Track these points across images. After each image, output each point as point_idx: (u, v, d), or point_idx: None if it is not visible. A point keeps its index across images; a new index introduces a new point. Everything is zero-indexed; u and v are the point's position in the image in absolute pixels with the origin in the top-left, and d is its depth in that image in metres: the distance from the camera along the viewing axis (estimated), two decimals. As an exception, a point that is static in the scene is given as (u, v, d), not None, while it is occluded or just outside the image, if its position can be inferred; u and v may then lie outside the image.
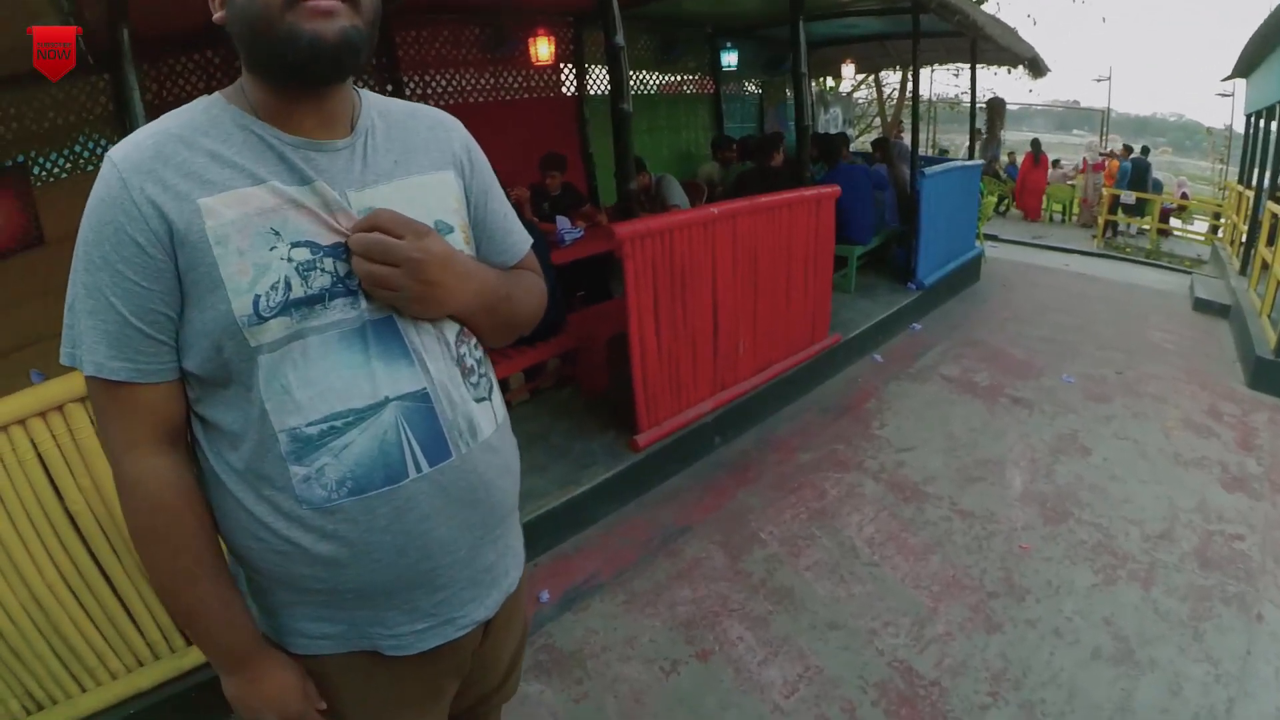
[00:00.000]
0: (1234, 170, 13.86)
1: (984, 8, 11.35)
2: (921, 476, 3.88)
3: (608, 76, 7.46)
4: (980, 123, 9.92)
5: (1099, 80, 32.80)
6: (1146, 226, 12.55)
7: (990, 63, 9.29)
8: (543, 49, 6.41)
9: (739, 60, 8.84)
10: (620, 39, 3.22)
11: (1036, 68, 8.36)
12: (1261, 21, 7.89)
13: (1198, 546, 3.50)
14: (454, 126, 1.19)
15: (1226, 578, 3.27)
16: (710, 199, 6.70)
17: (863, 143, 14.82)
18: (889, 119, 17.39)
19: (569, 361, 4.35)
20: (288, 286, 0.94)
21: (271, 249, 0.93)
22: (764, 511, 3.46)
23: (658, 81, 8.47)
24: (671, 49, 8.16)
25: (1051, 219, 14.65)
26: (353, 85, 1.07)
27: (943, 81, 18.77)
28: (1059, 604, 3.01)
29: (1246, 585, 3.23)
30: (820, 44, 9.40)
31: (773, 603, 2.87)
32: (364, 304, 0.99)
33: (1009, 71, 13.11)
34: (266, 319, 0.93)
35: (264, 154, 0.96)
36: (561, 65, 7.04)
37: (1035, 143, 14.27)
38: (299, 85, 0.96)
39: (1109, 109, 23.15)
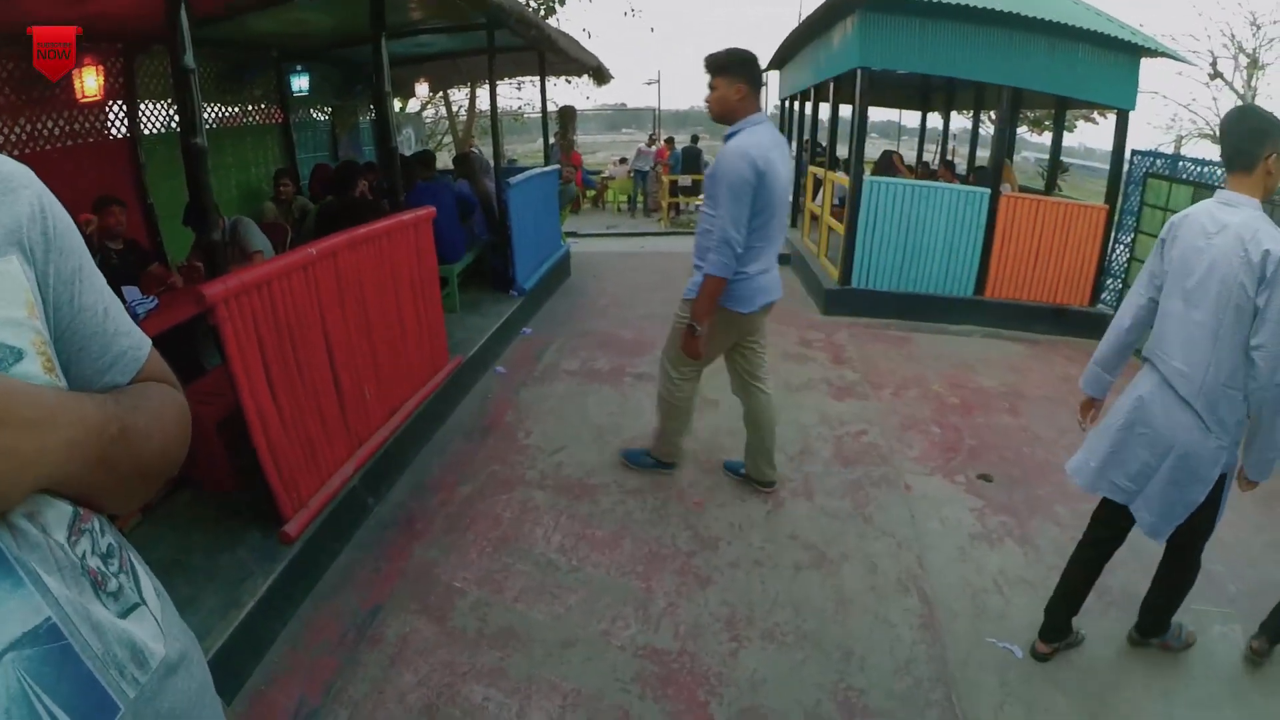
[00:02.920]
0: None
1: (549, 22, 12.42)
2: (583, 471, 4.06)
3: (167, 111, 6.74)
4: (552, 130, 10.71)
5: (649, 83, 37.54)
6: (700, 202, 14.83)
7: (558, 74, 10.07)
8: (90, 82, 5.45)
9: (309, 85, 8.49)
10: (190, 60, 2.82)
11: (600, 75, 9.35)
12: (793, 29, 9.90)
13: (835, 451, 4.17)
14: (24, 184, 0.81)
15: (868, 467, 3.96)
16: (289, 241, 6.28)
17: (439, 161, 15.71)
18: (460, 135, 18.11)
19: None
20: None
21: None
22: (448, 559, 3.33)
23: (221, 113, 7.77)
24: (236, 76, 7.53)
25: (619, 209, 16.53)
26: None
27: (504, 95, 20.12)
28: (748, 539, 3.38)
29: (886, 466, 3.95)
30: (394, 65, 9.36)
31: (499, 648, 2.78)
32: None
33: (568, 81, 14.53)
34: None
35: None
36: (109, 102, 6.08)
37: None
38: None
39: (659, 108, 26.63)
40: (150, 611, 0.83)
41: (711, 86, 3.31)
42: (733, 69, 3.26)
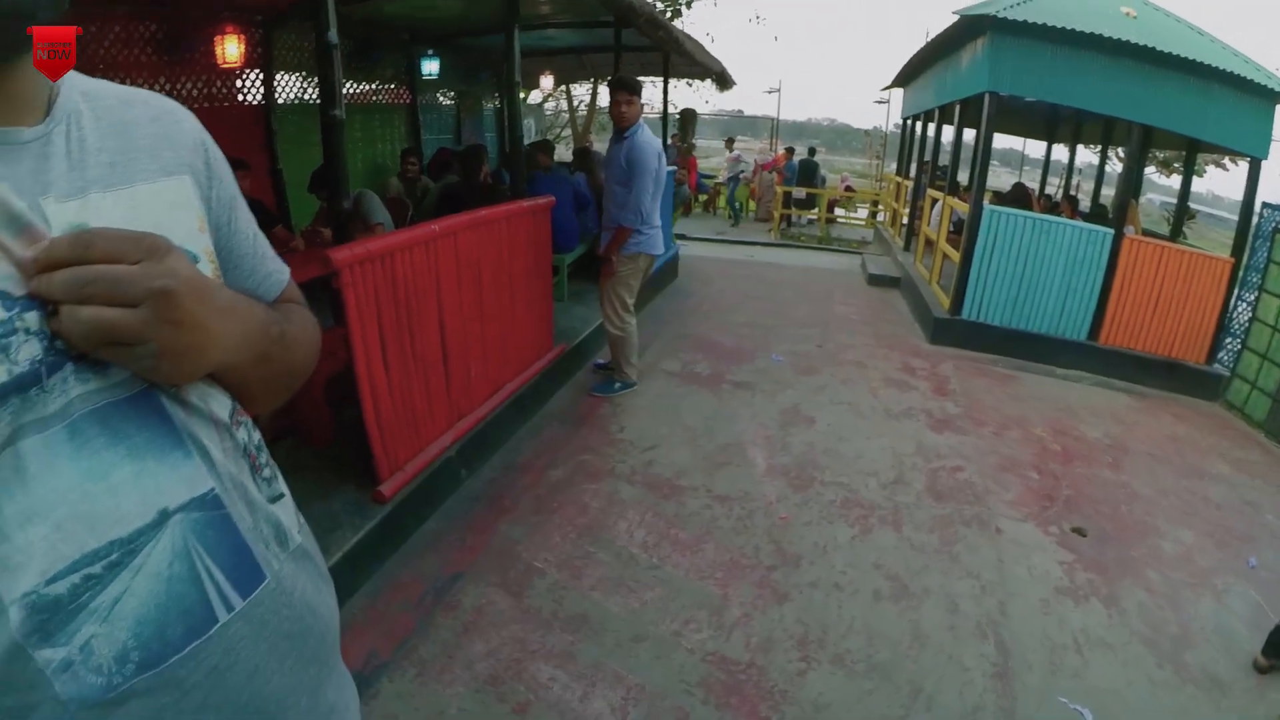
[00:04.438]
0: (891, 165, 16.93)
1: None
2: (673, 471, 4.09)
3: (301, 82, 7.11)
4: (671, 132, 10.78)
5: (770, 91, 37.63)
6: (814, 216, 14.74)
7: (680, 76, 10.12)
8: (231, 50, 5.80)
9: (438, 69, 8.79)
10: (334, 36, 2.98)
11: (723, 80, 9.38)
12: (921, 46, 9.71)
13: (928, 483, 4.08)
14: (186, 117, 0.90)
15: (961, 504, 3.86)
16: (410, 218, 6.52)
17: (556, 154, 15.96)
18: (579, 129, 18.40)
19: (282, 412, 3.95)
20: None
21: None
22: (532, 539, 3.41)
23: (351, 90, 8.13)
24: (367, 56, 7.87)
25: (729, 216, 16.47)
26: None
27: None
28: (830, 561, 3.34)
29: (979, 507, 3.84)
30: (521, 56, 9.59)
31: (571, 632, 2.84)
32: (104, 376, 0.71)
33: (689, 84, 14.60)
34: None
35: None
36: (247, 71, 6.46)
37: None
38: None
39: (778, 117, 26.57)
40: (290, 502, 0.92)
41: (619, 100, 4.56)
42: (637, 89, 4.59)
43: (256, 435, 0.89)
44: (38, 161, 0.70)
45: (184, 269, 0.71)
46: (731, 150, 17.15)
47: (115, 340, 0.66)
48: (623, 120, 4.59)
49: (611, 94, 4.66)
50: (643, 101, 4.74)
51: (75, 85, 0.78)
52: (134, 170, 0.78)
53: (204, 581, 0.73)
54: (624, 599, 3.04)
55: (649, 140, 4.57)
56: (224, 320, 0.76)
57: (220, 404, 0.82)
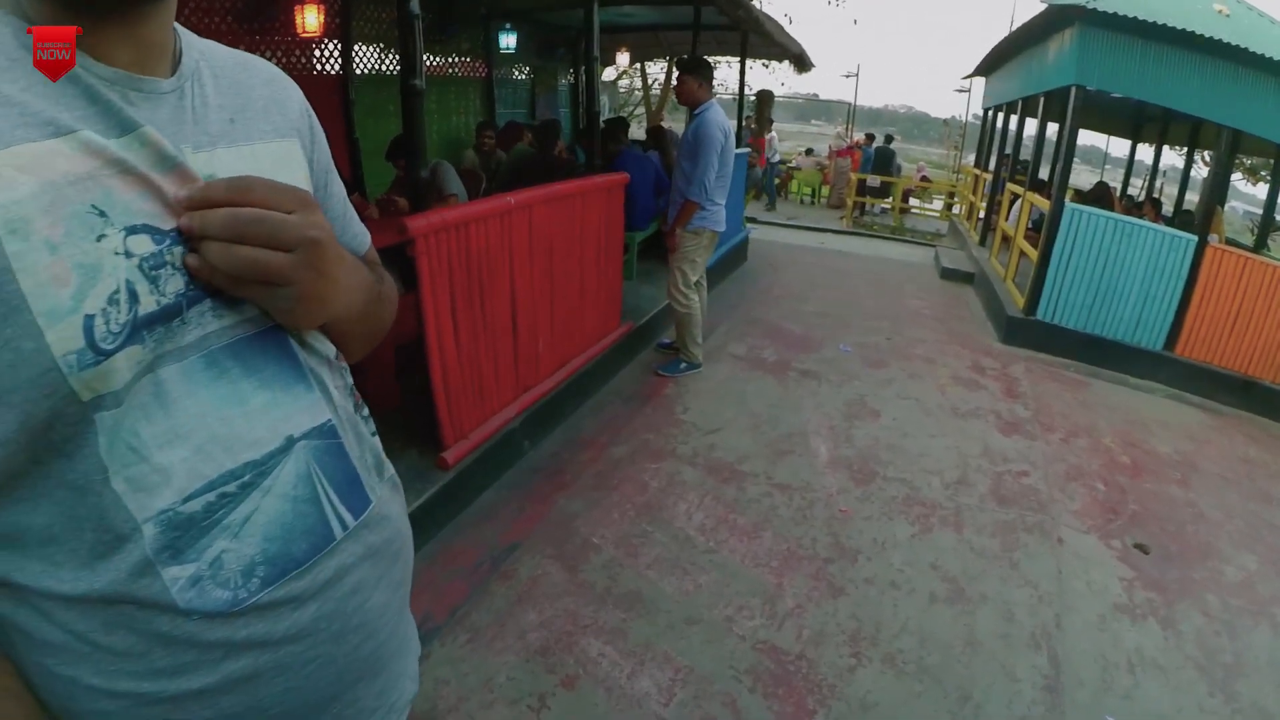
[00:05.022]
0: (969, 157, 16.68)
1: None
2: (735, 456, 4.11)
3: (379, 53, 7.24)
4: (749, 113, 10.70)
5: (848, 76, 37.02)
6: (888, 205, 14.43)
7: (758, 57, 10.03)
8: (310, 19, 5.96)
9: (514, 43, 8.86)
10: (416, 6, 3.04)
11: (801, 62, 9.24)
12: (1005, 35, 9.36)
13: (992, 487, 4.03)
14: (292, 85, 0.95)
15: (1024, 510, 3.82)
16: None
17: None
18: (652, 108, 18.36)
19: (352, 371, 4.09)
20: (133, 297, 0.66)
21: (100, 238, 0.64)
22: (590, 514, 3.48)
23: (428, 62, 8.25)
24: (445, 29, 7.98)
25: (802, 201, 16.27)
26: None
27: None
28: (888, 558, 3.34)
29: (1042, 514, 3.79)
30: (599, 31, 9.62)
31: (624, 610, 2.90)
32: (237, 312, 0.76)
33: (765, 65, 14.42)
34: (109, 353, 0.64)
35: (64, 89, 0.65)
36: (325, 40, 6.62)
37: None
38: None
39: (855, 103, 26.11)
40: (379, 440, 0.99)
41: (688, 82, 4.62)
42: (699, 70, 4.62)
43: (351, 378, 0.96)
44: (174, 112, 0.74)
45: (327, 224, 0.77)
46: (769, 131, 16.05)
47: (264, 279, 0.72)
48: (692, 100, 4.65)
49: (679, 75, 4.73)
50: (713, 84, 4.78)
51: (193, 44, 0.82)
52: (252, 129, 0.83)
53: (322, 502, 0.80)
54: (678, 581, 3.09)
55: (717, 117, 4.60)
56: (348, 274, 0.85)
57: (328, 347, 0.90)
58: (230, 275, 0.71)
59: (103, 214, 0.65)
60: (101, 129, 0.66)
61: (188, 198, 0.70)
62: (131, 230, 0.67)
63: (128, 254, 0.66)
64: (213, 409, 0.72)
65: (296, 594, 0.76)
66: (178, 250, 0.70)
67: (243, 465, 0.73)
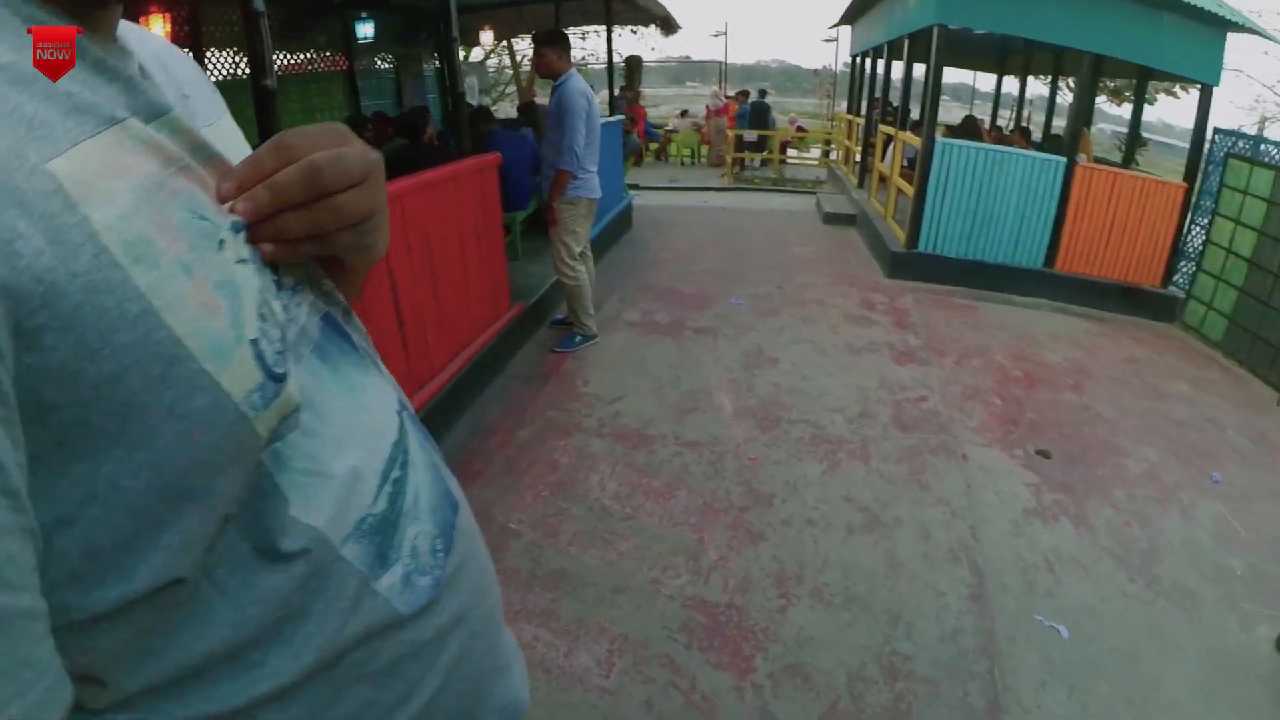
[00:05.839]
0: (842, 104, 17.02)
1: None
2: (640, 421, 4.07)
3: (234, 58, 6.84)
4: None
5: (717, 35, 37.28)
6: (767, 158, 14.69)
7: (624, 23, 9.95)
8: (157, 30, 5.61)
9: (373, 31, 8.53)
10: (260, 3, 2.82)
11: (668, 25, 9.25)
12: None
13: (893, 416, 4.12)
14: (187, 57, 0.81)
15: (926, 434, 3.91)
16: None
17: (500, 109, 15.82)
18: (523, 84, 18.07)
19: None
20: (266, 304, 0.57)
21: (220, 245, 0.54)
22: (505, 500, 3.39)
23: (285, 60, 7.85)
24: (299, 24, 7.60)
25: (682, 162, 16.37)
26: None
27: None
28: (802, 498, 3.37)
29: (945, 435, 3.89)
30: (460, 11, 9.35)
31: (551, 590, 2.83)
32: (310, 292, 0.67)
33: (633, 31, 14.40)
34: (284, 376, 0.55)
35: (87, 72, 0.52)
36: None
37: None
38: None
39: (726, 61, 26.25)
40: None
41: (545, 54, 4.58)
42: (556, 41, 4.59)
43: None
44: (156, 88, 0.60)
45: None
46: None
47: (358, 222, 0.62)
48: (552, 72, 4.64)
49: (537, 48, 4.71)
50: (571, 54, 4.75)
51: None
52: (202, 106, 0.73)
53: (439, 467, 0.77)
54: (600, 552, 3.03)
55: (579, 85, 4.60)
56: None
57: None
58: (332, 226, 0.60)
59: (203, 217, 0.53)
60: (138, 111, 0.54)
61: (240, 177, 0.58)
62: (235, 229, 0.56)
63: (245, 259, 0.56)
64: (349, 400, 0.66)
65: (461, 560, 0.73)
66: (243, 242, 0.57)
67: (391, 447, 0.69)
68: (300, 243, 0.60)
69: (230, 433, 0.50)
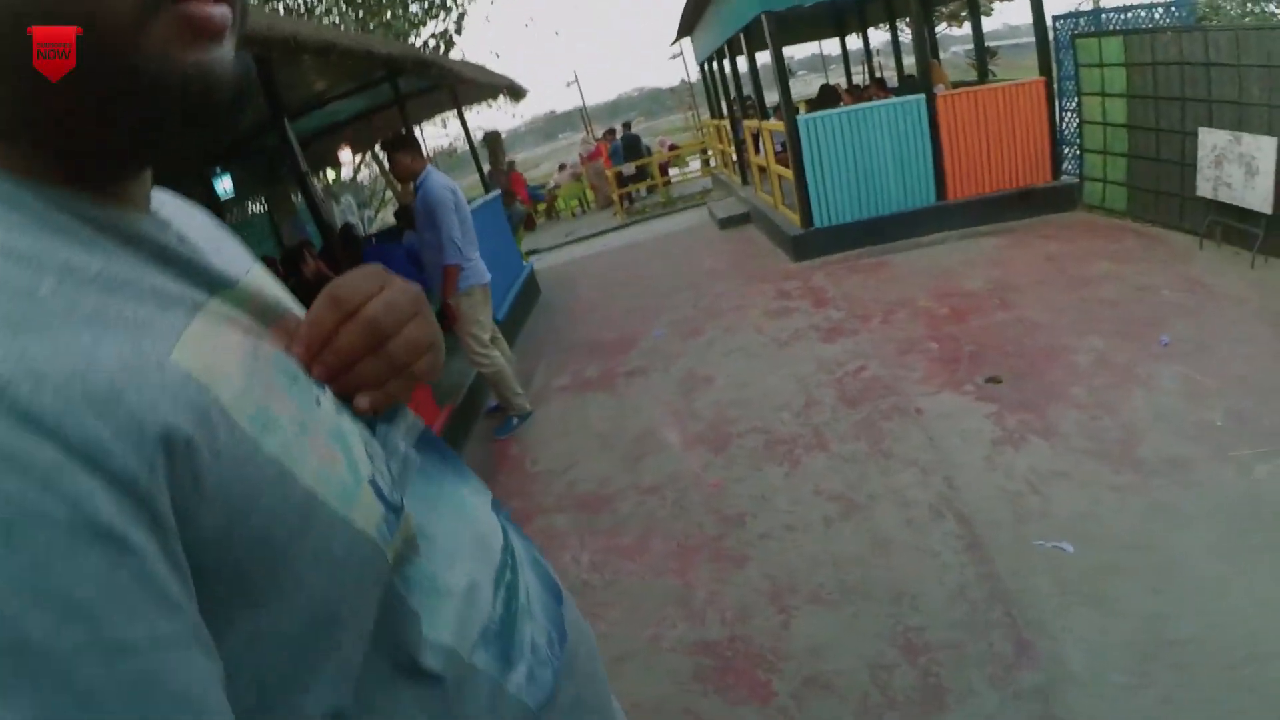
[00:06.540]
0: (705, 112, 17.69)
1: (450, 56, 12.54)
2: (596, 483, 3.98)
3: None
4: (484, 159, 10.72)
5: (569, 84, 37.91)
6: (652, 185, 14.94)
7: (474, 101, 10.02)
8: None
9: (234, 182, 8.40)
10: None
11: (515, 92, 9.34)
12: None
13: (838, 395, 4.10)
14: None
15: (875, 401, 3.89)
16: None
17: (384, 217, 16.10)
18: (399, 189, 18.17)
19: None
20: (371, 446, 0.63)
21: (318, 401, 0.58)
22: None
23: None
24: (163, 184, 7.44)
25: (573, 214, 16.53)
26: None
27: (430, 134, 20.14)
28: (773, 506, 3.30)
29: (893, 396, 3.87)
30: (312, 138, 9.32)
31: (548, 682, 2.70)
32: (400, 420, 0.73)
33: (489, 105, 14.57)
34: (400, 504, 0.61)
35: (138, 257, 0.51)
36: None
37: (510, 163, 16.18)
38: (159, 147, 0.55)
39: (584, 105, 26.67)
40: None
41: (396, 159, 4.53)
42: (404, 145, 4.58)
43: None
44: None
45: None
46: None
47: (422, 353, 0.66)
48: (409, 173, 4.62)
49: (389, 156, 4.70)
50: (415, 150, 4.70)
51: None
52: (234, 258, 0.68)
53: (540, 561, 0.84)
54: (593, 627, 2.88)
55: (438, 179, 4.60)
56: None
57: None
58: (405, 364, 0.65)
59: (296, 378, 0.58)
60: (203, 290, 0.55)
61: (306, 341, 0.61)
62: (323, 385, 0.60)
63: (338, 408, 0.60)
64: (455, 514, 0.71)
65: (572, 644, 0.78)
66: (322, 389, 0.60)
67: (499, 552, 0.74)
68: (388, 384, 0.64)
69: (368, 562, 0.56)
